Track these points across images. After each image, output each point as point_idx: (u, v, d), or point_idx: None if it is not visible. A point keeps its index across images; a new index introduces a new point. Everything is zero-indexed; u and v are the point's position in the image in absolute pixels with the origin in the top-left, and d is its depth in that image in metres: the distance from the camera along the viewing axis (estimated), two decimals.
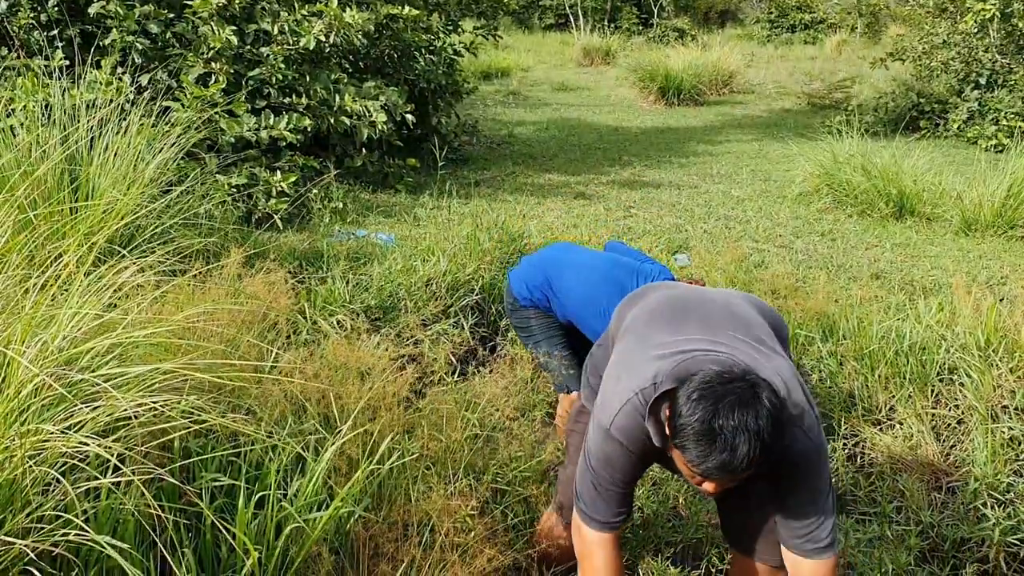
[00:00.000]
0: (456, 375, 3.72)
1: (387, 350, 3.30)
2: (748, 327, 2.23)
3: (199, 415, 2.28)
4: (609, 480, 2.15)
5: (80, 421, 2.02)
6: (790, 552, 2.10)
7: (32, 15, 5.88)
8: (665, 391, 1.99)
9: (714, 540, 3.05)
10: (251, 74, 6.22)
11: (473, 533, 2.52)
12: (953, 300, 4.55)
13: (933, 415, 3.72)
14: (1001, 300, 4.83)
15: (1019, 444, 3.41)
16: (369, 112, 6.42)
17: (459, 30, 9.03)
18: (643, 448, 2.11)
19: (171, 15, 6.21)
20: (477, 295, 4.63)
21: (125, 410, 2.06)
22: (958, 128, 10.54)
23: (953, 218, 6.75)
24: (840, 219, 6.99)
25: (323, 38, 6.37)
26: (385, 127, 6.53)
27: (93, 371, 2.08)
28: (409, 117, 6.75)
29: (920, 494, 3.17)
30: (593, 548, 2.21)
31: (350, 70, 7.39)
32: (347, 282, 4.47)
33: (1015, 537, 2.92)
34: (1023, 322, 4.20)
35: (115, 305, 2.41)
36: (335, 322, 3.97)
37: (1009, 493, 3.17)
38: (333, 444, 2.42)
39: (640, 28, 22.85)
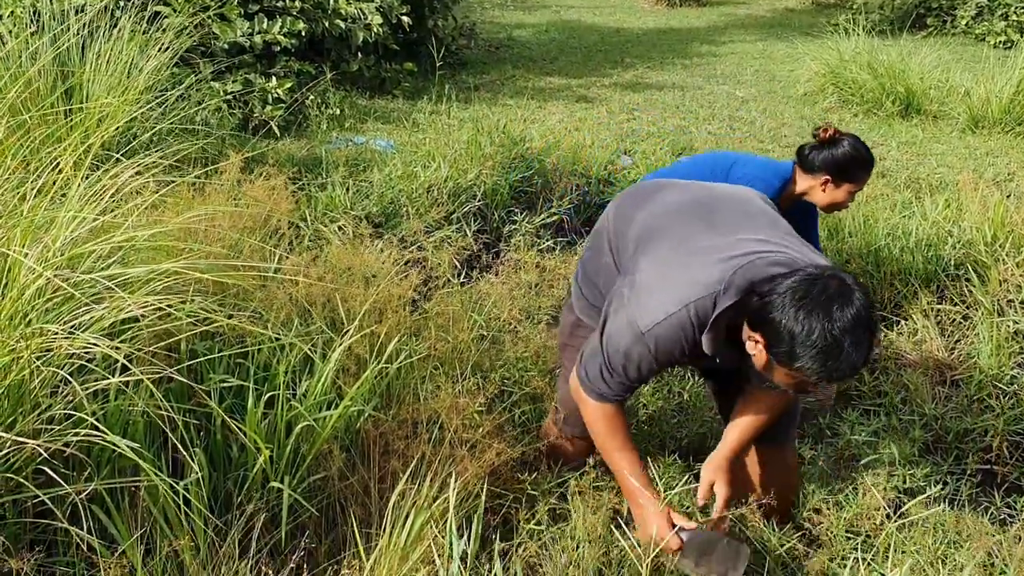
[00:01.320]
0: (460, 279, 3.71)
1: (391, 255, 3.28)
2: (775, 220, 2.20)
3: (205, 316, 2.27)
4: (622, 373, 2.14)
5: (85, 322, 2.01)
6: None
7: None
8: (730, 304, 1.94)
9: (717, 434, 3.08)
10: None
11: (481, 429, 2.54)
12: (959, 197, 4.51)
13: (939, 311, 3.72)
14: (1008, 196, 4.79)
15: None
16: (364, 15, 6.26)
17: None
18: (670, 359, 2.10)
19: None
20: (479, 201, 4.58)
21: (130, 310, 2.04)
22: (966, 25, 10.31)
23: (960, 116, 6.65)
24: (846, 118, 6.89)
25: None
26: (381, 30, 6.38)
27: (96, 273, 2.06)
28: (405, 19, 6.59)
29: (924, 388, 3.18)
30: (597, 416, 2.24)
31: None
32: (347, 189, 4.42)
33: (1018, 427, 2.95)
34: None
35: (114, 209, 2.38)
36: (336, 228, 3.94)
37: (1013, 385, 3.19)
38: (341, 344, 2.42)
39: None
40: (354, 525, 2.07)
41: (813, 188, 3.23)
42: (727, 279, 1.96)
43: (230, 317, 2.36)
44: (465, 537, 2.02)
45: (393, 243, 3.69)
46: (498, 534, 2.30)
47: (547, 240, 4.37)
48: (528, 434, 2.80)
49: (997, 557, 1.95)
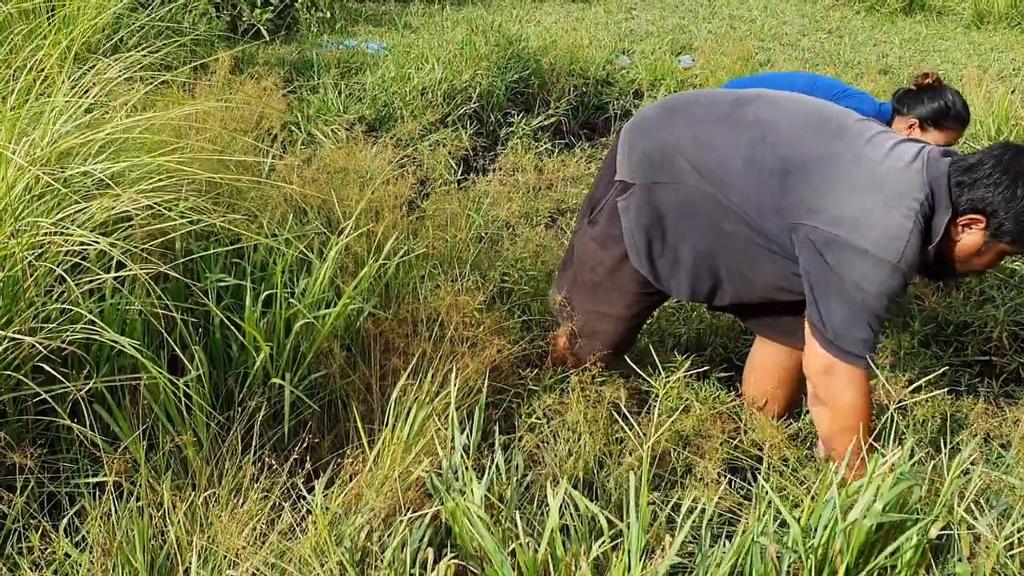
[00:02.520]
0: (457, 181, 3.66)
1: (386, 156, 3.23)
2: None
3: (199, 216, 2.23)
4: (883, 318, 1.97)
5: (77, 219, 1.97)
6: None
7: None
8: (949, 204, 1.95)
9: (717, 330, 3.08)
10: None
11: (482, 327, 2.53)
12: (964, 92, 4.43)
13: None
14: (1013, 91, 4.71)
15: None
16: None
17: None
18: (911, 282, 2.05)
19: None
20: (475, 103, 4.50)
21: (123, 209, 2.01)
22: None
23: (965, 11, 6.51)
24: (847, 16, 6.73)
25: None
26: None
27: (86, 168, 2.02)
28: None
29: (927, 285, 3.17)
30: (863, 390, 1.99)
31: None
32: (340, 92, 4.34)
33: (1017, 317, 2.95)
34: None
35: (103, 104, 2.32)
36: (330, 132, 3.87)
37: (1013, 278, 3.18)
38: (338, 243, 2.39)
39: None
40: (356, 420, 2.07)
41: (898, 131, 3.15)
42: (925, 182, 1.93)
43: (224, 217, 2.32)
44: (467, 430, 2.02)
45: (388, 146, 3.64)
46: (499, 428, 2.31)
47: (545, 143, 4.31)
48: (529, 331, 2.80)
49: (995, 440, 1.97)
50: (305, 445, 2.11)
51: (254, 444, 2.08)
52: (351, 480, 1.93)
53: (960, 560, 1.49)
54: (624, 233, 2.22)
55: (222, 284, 2.29)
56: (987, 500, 1.63)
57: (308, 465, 1.92)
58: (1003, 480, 1.65)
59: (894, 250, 1.88)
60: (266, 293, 2.25)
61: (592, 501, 1.79)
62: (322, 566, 1.64)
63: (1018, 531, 1.50)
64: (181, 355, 2.05)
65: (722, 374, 2.80)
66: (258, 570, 1.66)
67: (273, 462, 1.89)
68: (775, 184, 2.00)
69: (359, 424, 2.04)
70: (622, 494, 2.01)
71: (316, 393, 2.29)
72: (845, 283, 1.92)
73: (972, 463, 1.65)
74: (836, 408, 2.00)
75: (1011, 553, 1.49)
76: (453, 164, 3.75)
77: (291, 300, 2.27)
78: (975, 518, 1.53)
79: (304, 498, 1.83)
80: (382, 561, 1.67)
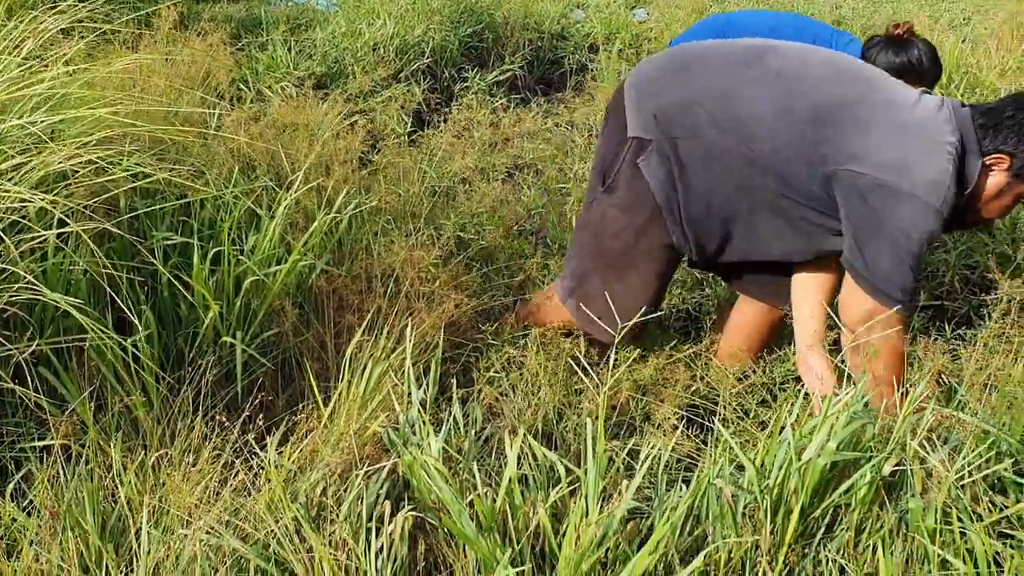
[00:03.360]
0: (410, 136, 3.61)
1: (336, 111, 3.17)
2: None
3: (144, 172, 2.17)
4: (922, 258, 1.97)
5: (13, 177, 1.91)
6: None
7: None
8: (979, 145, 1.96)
9: (675, 282, 3.08)
10: None
11: (438, 282, 2.50)
12: None
13: None
14: (963, 40, 4.74)
15: None
16: None
17: None
18: None
19: None
20: (428, 59, 4.44)
21: (61, 165, 1.94)
22: None
23: None
24: None
25: None
26: None
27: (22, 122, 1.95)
28: None
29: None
30: (902, 333, 1.99)
31: None
32: (289, 48, 4.25)
33: (969, 261, 2.98)
34: (985, 60, 4.13)
35: (40, 57, 2.24)
36: (279, 89, 3.79)
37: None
38: (288, 198, 2.34)
39: None
40: (311, 378, 2.04)
41: None
42: (955, 128, 1.94)
43: (170, 172, 2.26)
44: (424, 385, 2.00)
45: (338, 101, 3.57)
46: (457, 382, 2.29)
47: (500, 98, 4.26)
48: (488, 286, 2.78)
49: (949, 378, 1.99)
50: (259, 403, 2.08)
51: (206, 404, 2.04)
52: (306, 437, 1.91)
53: (913, 495, 1.51)
54: (654, 190, 2.13)
55: (169, 242, 2.23)
56: (939, 436, 1.65)
57: (261, 423, 1.88)
58: (955, 416, 1.67)
59: (938, 194, 1.88)
60: (214, 251, 2.21)
61: (552, 451, 1.78)
62: (277, 522, 1.62)
63: (969, 465, 1.51)
64: (129, 314, 2.00)
65: (679, 323, 2.81)
66: (212, 528, 1.64)
67: (225, 420, 1.86)
68: (810, 132, 1.97)
69: (312, 382, 2.01)
70: (581, 443, 2.00)
71: (269, 352, 2.25)
72: (891, 228, 1.91)
73: (925, 400, 1.66)
74: (880, 354, 1.94)
75: (962, 484, 1.51)
76: (406, 119, 3.69)
77: (240, 257, 2.22)
78: (927, 454, 1.55)
79: (257, 456, 1.80)
80: (338, 515, 1.65)
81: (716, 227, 2.15)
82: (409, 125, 3.70)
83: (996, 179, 1.97)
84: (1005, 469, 1.57)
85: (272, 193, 2.49)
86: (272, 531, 1.62)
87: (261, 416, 1.96)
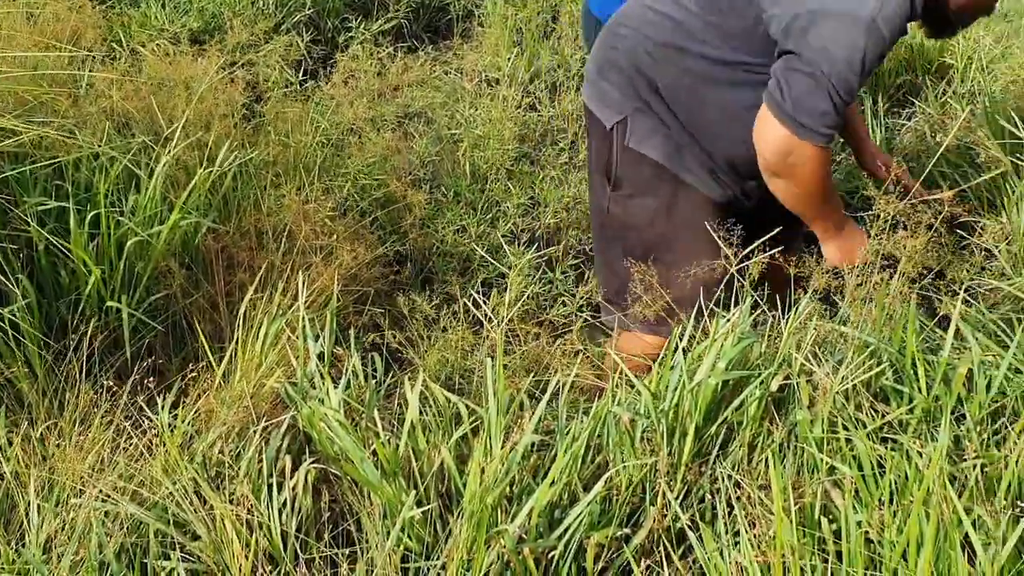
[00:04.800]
0: (296, 88, 3.52)
1: (215, 64, 3.05)
2: None
3: (12, 128, 2.06)
4: (855, 84, 1.79)
5: None
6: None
7: None
8: None
9: (571, 224, 3.11)
10: None
11: (334, 235, 2.46)
12: None
13: None
14: None
15: None
16: None
17: None
18: (894, 45, 1.85)
19: None
20: (310, 10, 4.31)
21: None
22: None
23: None
24: None
25: None
26: None
27: None
28: None
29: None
30: (822, 161, 1.85)
31: None
32: (163, 4, 4.07)
33: (849, 185, 3.08)
34: None
35: None
36: (155, 46, 3.63)
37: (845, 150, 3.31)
38: (167, 155, 2.26)
39: None
40: (202, 339, 1.99)
41: None
42: None
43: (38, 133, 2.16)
44: (322, 338, 1.97)
45: (217, 55, 3.44)
46: (360, 334, 2.27)
47: (387, 47, 4.17)
48: (389, 234, 2.75)
49: (833, 295, 2.05)
50: (150, 368, 2.03)
51: (95, 372, 1.98)
52: (201, 398, 1.86)
53: (800, 408, 1.56)
54: (657, 158, 2.04)
55: (43, 207, 2.13)
56: (823, 351, 1.71)
57: (152, 387, 1.83)
58: (837, 331, 1.73)
59: (873, 6, 1.71)
60: (93, 214, 2.12)
61: (455, 395, 1.78)
62: (174, 484, 1.58)
63: (852, 376, 1.57)
64: (6, 283, 1.92)
65: (574, 261, 2.84)
66: (108, 496, 1.59)
67: (114, 386, 1.80)
68: None
69: (204, 342, 1.96)
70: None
71: (158, 315, 2.19)
72: (812, 53, 1.75)
73: (809, 317, 1.72)
74: (794, 179, 1.87)
75: (846, 395, 1.57)
76: (289, 71, 3.59)
77: (120, 219, 2.14)
78: (813, 368, 1.60)
79: (151, 420, 1.75)
80: (237, 473, 1.62)
81: (737, 139, 1.96)
82: (297, 77, 3.60)
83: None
84: (886, 378, 1.64)
85: (151, 152, 2.39)
86: (170, 493, 1.59)
87: (153, 380, 1.90)
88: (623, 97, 2.06)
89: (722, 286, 1.85)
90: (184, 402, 1.87)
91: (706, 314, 1.80)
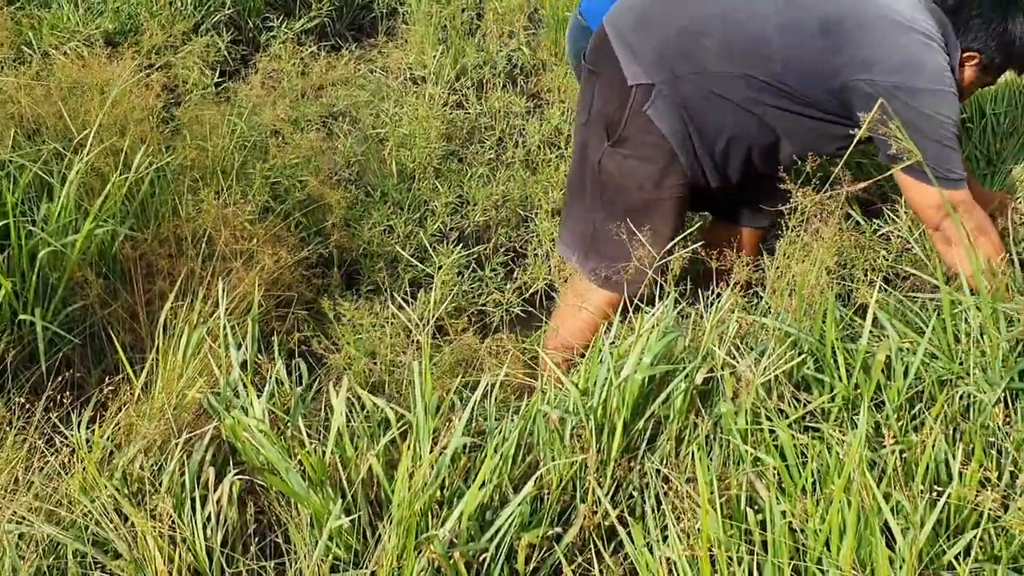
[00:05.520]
0: (214, 89, 3.45)
1: (130, 67, 2.97)
2: None
3: None
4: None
5: None
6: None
7: None
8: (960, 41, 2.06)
9: (500, 222, 3.10)
10: None
11: (256, 239, 2.42)
12: None
13: None
14: None
15: None
16: None
17: None
18: None
19: None
20: (229, 9, 4.22)
21: None
22: None
23: None
24: None
25: None
26: None
27: None
28: None
29: None
30: (975, 203, 2.04)
31: None
32: (76, 5, 3.95)
33: None
34: None
35: None
36: (68, 49, 3.52)
37: None
38: (80, 162, 2.19)
39: None
40: (120, 351, 1.94)
41: None
42: (934, 20, 2.01)
43: None
44: (244, 345, 1.93)
45: (133, 57, 3.35)
46: (284, 339, 2.23)
47: (310, 46, 4.11)
48: (313, 236, 2.71)
49: (755, 284, 2.08)
50: (68, 382, 1.96)
51: (8, 388, 1.91)
52: (120, 412, 1.81)
53: (724, 400, 1.58)
54: (667, 136, 2.08)
55: None
56: (746, 342, 1.73)
57: (67, 402, 1.77)
58: (758, 322, 1.75)
59: (947, 81, 1.97)
60: (2, 224, 2.04)
61: (383, 399, 1.76)
62: (93, 502, 1.54)
63: (774, 366, 1.59)
64: None
65: (503, 259, 2.83)
66: (23, 518, 1.54)
67: (28, 403, 1.74)
68: (820, 45, 1.97)
69: (122, 354, 1.91)
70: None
71: (75, 327, 2.12)
72: (923, 123, 1.93)
73: (731, 310, 1.74)
74: (977, 230, 1.98)
75: (769, 386, 1.59)
76: (208, 72, 3.52)
77: (32, 229, 2.07)
78: (736, 361, 1.62)
79: (66, 437, 1.70)
80: (159, 487, 1.58)
81: (735, 153, 2.13)
82: (213, 78, 3.53)
83: (968, 73, 2.10)
84: (807, 367, 1.67)
85: (64, 158, 2.32)
86: (88, 512, 1.54)
87: (70, 394, 1.84)
88: (658, 64, 2.06)
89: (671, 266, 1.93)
90: (103, 416, 1.81)
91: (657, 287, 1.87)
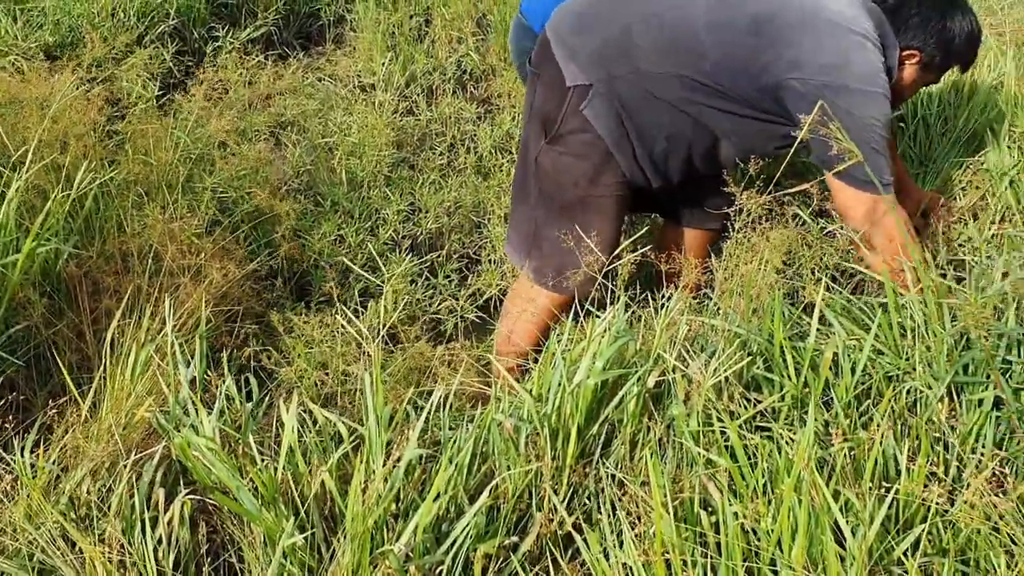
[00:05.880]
0: (158, 102, 3.40)
1: (69, 82, 2.92)
2: None
3: None
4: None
5: None
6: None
7: None
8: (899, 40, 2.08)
9: (453, 228, 3.09)
10: None
11: (203, 254, 2.38)
12: None
13: None
14: None
15: None
16: None
17: None
18: None
19: None
20: (174, 20, 4.17)
21: None
22: None
23: None
24: None
25: None
26: None
27: None
28: None
29: None
30: (891, 205, 1.99)
31: None
32: (14, 18, 3.87)
33: None
34: None
35: None
36: (5, 65, 3.45)
37: None
38: (20, 180, 2.14)
39: None
40: (67, 372, 1.90)
41: None
42: (872, 21, 2.03)
43: None
44: (193, 362, 1.90)
45: (75, 71, 3.29)
46: (226, 355, 2.20)
47: (257, 56, 4.08)
48: (262, 248, 2.68)
49: (704, 286, 2.10)
50: (11, 405, 1.92)
51: None
52: (67, 434, 1.77)
53: (676, 403, 1.59)
54: (602, 135, 2.10)
55: None
56: (696, 344, 1.74)
57: (10, 426, 1.73)
58: (708, 324, 1.76)
59: (879, 82, 1.98)
60: None
61: (335, 413, 1.74)
62: (38, 529, 1.50)
63: (724, 367, 1.60)
64: None
65: (457, 265, 2.82)
66: None
67: None
68: (751, 43, 1.98)
69: (67, 375, 1.87)
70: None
71: (19, 348, 2.08)
72: (850, 122, 1.90)
73: (681, 312, 1.74)
74: (890, 236, 1.97)
75: (720, 387, 1.60)
76: (152, 85, 3.47)
77: None
78: (686, 363, 1.63)
79: (7, 463, 1.66)
80: (107, 511, 1.55)
81: (674, 153, 2.14)
82: (157, 90, 3.48)
83: (909, 72, 2.13)
84: (757, 367, 1.68)
85: (1, 176, 2.27)
86: (34, 539, 1.50)
87: (13, 418, 1.80)
88: (595, 65, 2.08)
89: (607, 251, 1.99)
90: (49, 439, 1.78)
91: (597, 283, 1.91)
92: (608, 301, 1.77)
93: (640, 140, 2.10)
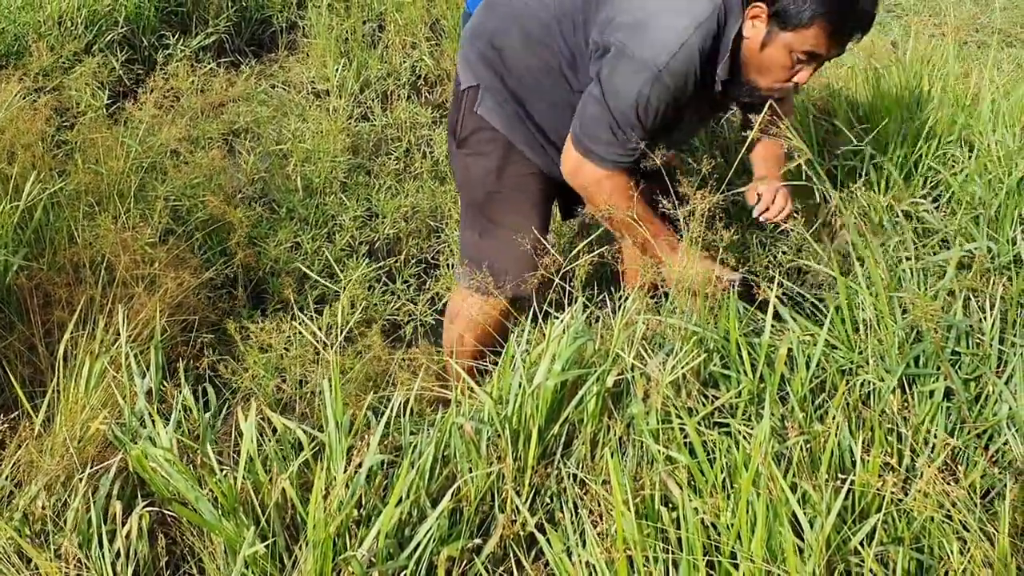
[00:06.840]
0: (107, 110, 3.36)
1: (13, 91, 2.87)
2: None
3: None
4: (638, 126, 1.90)
5: None
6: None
7: None
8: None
9: (410, 233, 3.09)
10: None
11: (157, 263, 2.35)
12: None
13: None
14: None
15: None
16: None
17: None
18: (684, 94, 1.90)
19: None
20: (123, 28, 4.12)
21: None
22: None
23: None
24: None
25: None
26: None
27: None
28: None
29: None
30: (615, 187, 1.96)
31: None
32: None
33: None
34: None
35: None
36: None
37: None
38: None
39: None
40: (19, 386, 1.86)
41: None
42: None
43: None
44: (149, 373, 1.88)
45: (19, 80, 3.24)
46: (182, 365, 2.18)
47: (208, 63, 4.04)
48: (217, 256, 2.65)
49: (661, 286, 2.11)
50: None
51: None
52: (20, 449, 1.74)
53: (635, 401, 1.60)
54: (499, 128, 2.12)
55: None
56: (653, 343, 1.75)
57: None
58: (665, 322, 1.78)
59: (659, 60, 1.82)
60: None
61: (295, 420, 1.73)
62: None
63: (681, 365, 1.62)
64: None
65: (415, 270, 2.82)
66: None
67: None
68: (580, 7, 1.97)
69: (19, 389, 1.84)
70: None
71: None
72: (605, 86, 1.88)
73: (638, 311, 1.76)
74: (594, 204, 1.99)
75: (678, 384, 1.62)
76: (102, 93, 3.42)
77: None
78: (644, 362, 1.64)
79: None
80: (63, 526, 1.53)
81: (563, 126, 2.08)
82: (106, 99, 3.43)
83: (756, 31, 1.87)
84: (714, 364, 1.70)
85: None
86: None
87: None
88: (482, 66, 2.13)
89: (538, 258, 1.95)
90: (1, 455, 1.74)
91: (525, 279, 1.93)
92: (566, 302, 1.78)
93: (541, 131, 2.13)
